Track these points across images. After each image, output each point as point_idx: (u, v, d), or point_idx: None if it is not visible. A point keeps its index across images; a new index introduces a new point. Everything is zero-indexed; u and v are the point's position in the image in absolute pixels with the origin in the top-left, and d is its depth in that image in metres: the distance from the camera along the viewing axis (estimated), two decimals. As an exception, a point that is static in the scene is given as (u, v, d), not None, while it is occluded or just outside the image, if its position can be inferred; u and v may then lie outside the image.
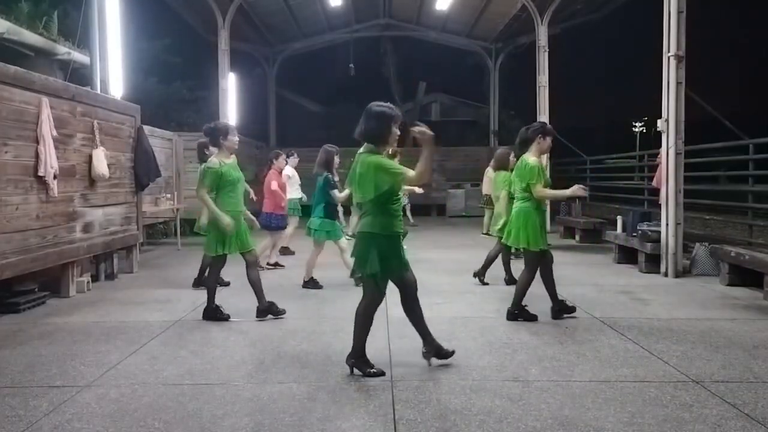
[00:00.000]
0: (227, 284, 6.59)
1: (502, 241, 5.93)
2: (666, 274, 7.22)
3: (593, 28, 17.29)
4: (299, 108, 24.23)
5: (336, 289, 6.52)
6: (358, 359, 3.77)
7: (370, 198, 3.66)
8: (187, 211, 10.67)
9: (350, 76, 18.86)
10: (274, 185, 7.92)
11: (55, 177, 5.82)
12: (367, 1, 17.59)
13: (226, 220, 4.98)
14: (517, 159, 5.38)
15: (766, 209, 8.36)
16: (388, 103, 3.77)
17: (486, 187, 11.33)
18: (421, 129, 3.51)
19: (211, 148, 5.57)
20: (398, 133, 3.74)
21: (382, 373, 3.74)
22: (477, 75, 21.56)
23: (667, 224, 7.25)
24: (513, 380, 3.67)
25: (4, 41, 8.50)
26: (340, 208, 8.75)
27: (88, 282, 6.60)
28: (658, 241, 7.39)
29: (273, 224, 7.87)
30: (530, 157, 5.08)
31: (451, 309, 5.56)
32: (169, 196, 10.41)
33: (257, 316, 5.21)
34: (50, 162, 5.72)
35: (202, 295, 6.05)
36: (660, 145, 7.52)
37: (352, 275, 6.45)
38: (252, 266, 5.25)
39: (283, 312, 5.28)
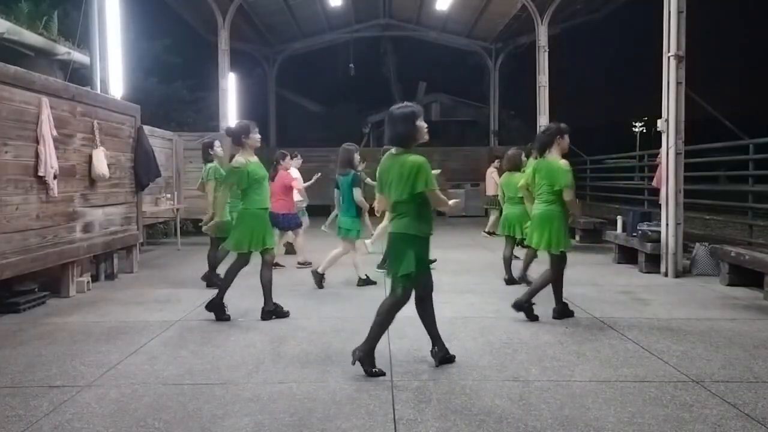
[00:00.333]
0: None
1: (526, 242, 5.78)
2: (666, 274, 7.22)
3: (593, 28, 17.32)
4: (299, 108, 24.22)
5: (336, 289, 6.53)
6: (367, 354, 3.77)
7: (405, 198, 3.69)
8: (188, 211, 10.66)
9: (350, 76, 18.88)
10: (300, 183, 8.17)
11: (55, 177, 5.82)
12: (367, 1, 17.59)
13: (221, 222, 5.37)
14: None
15: (766, 209, 8.34)
16: (406, 102, 3.86)
17: (491, 188, 11.28)
18: (450, 205, 3.83)
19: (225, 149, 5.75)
20: (425, 125, 3.79)
21: (382, 374, 3.74)
22: (477, 75, 21.55)
23: (667, 224, 7.25)
24: (513, 380, 3.67)
25: (4, 41, 8.49)
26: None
27: (88, 282, 6.60)
28: (658, 241, 7.38)
29: (292, 224, 8.01)
30: (558, 160, 5.03)
31: (451, 309, 5.56)
32: (169, 196, 10.42)
33: (262, 318, 5.19)
34: (50, 162, 5.72)
35: (202, 295, 6.06)
36: (660, 145, 7.52)
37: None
38: (267, 266, 5.23)
39: (287, 314, 5.28)
